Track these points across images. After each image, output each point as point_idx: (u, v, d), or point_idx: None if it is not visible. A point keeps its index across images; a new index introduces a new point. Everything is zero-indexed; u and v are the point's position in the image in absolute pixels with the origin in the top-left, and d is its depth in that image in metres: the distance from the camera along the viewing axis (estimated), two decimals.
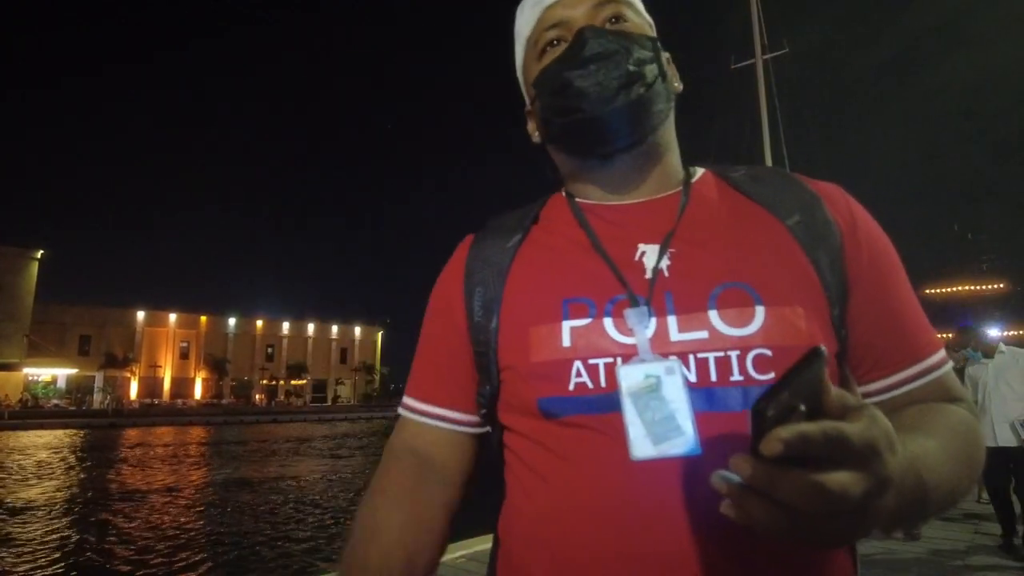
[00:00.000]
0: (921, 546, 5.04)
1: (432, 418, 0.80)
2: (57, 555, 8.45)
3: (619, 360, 0.65)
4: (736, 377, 0.63)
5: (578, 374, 0.66)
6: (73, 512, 11.23)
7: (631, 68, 0.71)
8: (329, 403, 66.21)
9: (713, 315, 0.65)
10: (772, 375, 0.62)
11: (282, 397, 63.85)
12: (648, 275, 0.69)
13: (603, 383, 0.65)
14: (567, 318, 0.69)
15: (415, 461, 0.79)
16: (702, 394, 0.62)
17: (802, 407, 0.42)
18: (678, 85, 0.81)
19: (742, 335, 0.64)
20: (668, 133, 0.79)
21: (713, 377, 0.63)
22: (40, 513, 11.10)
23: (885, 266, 0.72)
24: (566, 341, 0.68)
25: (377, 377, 76.10)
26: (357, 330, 76.09)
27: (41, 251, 51.01)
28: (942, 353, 0.71)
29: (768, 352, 0.63)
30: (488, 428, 0.80)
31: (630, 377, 0.63)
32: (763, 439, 0.41)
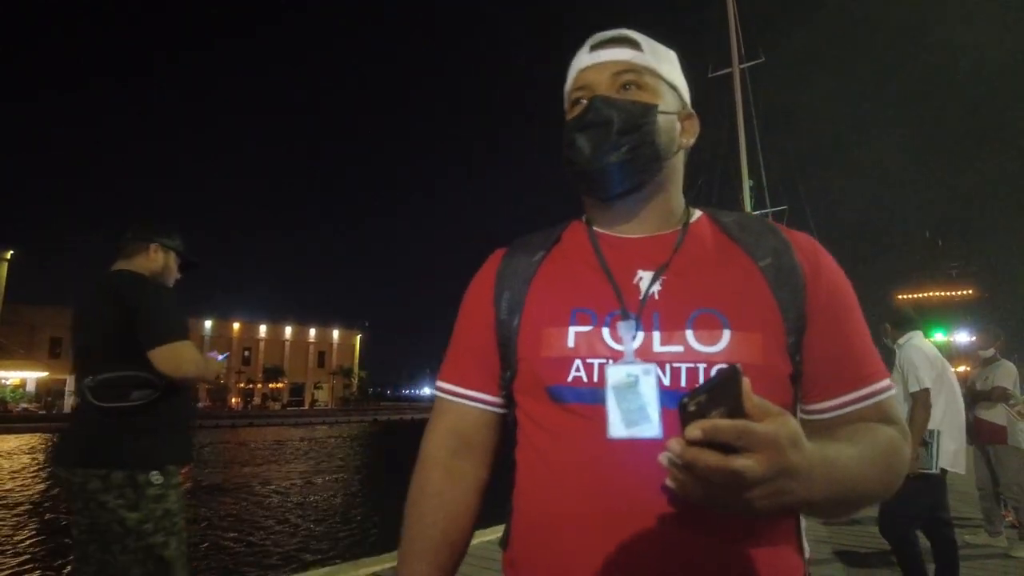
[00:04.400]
0: None
1: (468, 400, 0.96)
2: (21, 566, 8.30)
3: (610, 361, 0.81)
4: None
5: (577, 369, 0.82)
6: (36, 517, 11.01)
7: (615, 137, 0.87)
8: (307, 407, 65.58)
9: (689, 334, 0.81)
10: None
11: (259, 400, 63.01)
12: (641, 296, 0.85)
13: (595, 379, 0.81)
14: (573, 324, 0.85)
15: (457, 443, 0.95)
16: (671, 395, 0.77)
17: (722, 408, 0.56)
18: (686, 140, 0.96)
19: (709, 352, 0.79)
20: (666, 180, 0.94)
21: (683, 383, 0.78)
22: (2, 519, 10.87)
23: (841, 306, 0.86)
24: (571, 343, 0.84)
25: (355, 381, 75.53)
26: (335, 333, 75.58)
27: (11, 251, 49.78)
28: (886, 382, 0.85)
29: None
30: (507, 410, 0.96)
31: (615, 374, 0.79)
32: (687, 427, 0.57)
